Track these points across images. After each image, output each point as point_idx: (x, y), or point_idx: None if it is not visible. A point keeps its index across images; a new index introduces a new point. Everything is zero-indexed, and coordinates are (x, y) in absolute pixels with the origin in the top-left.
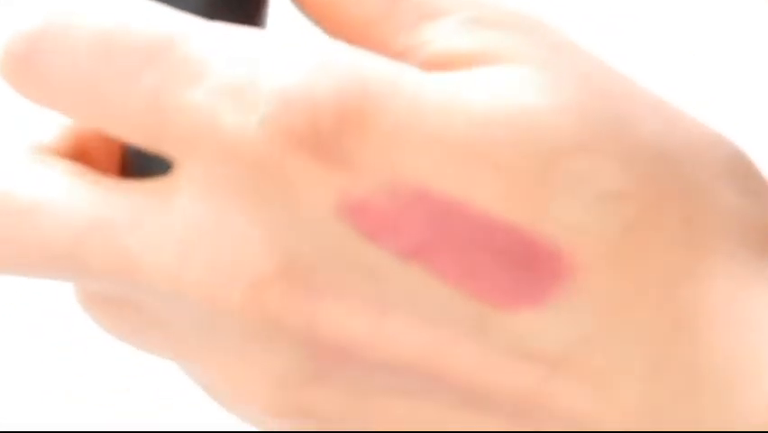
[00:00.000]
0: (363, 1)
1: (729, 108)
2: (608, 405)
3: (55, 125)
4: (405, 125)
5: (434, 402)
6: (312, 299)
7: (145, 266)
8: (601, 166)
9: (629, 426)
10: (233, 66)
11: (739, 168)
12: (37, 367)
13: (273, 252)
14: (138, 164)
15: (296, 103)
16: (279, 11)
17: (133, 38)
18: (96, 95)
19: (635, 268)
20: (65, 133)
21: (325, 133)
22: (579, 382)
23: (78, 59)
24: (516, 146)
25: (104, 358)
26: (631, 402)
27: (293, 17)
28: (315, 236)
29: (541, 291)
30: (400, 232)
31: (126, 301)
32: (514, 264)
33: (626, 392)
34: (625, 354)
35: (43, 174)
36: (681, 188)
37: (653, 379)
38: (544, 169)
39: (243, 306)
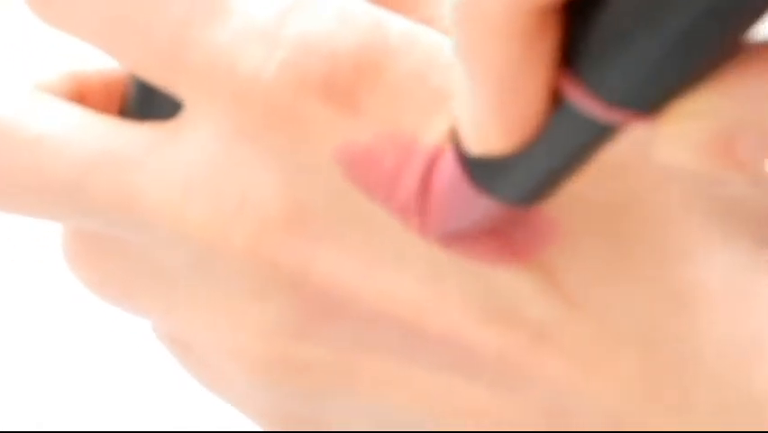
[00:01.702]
0: None
1: None
2: (597, 377)
3: (56, 70)
4: (418, 84)
5: (417, 364)
6: (309, 244)
7: (149, 202)
8: None
9: (618, 400)
10: (259, 9)
11: None
12: (37, 367)
13: (280, 195)
14: (139, 113)
15: (315, 50)
16: None
17: None
18: (122, 21)
19: (630, 240)
20: (66, 77)
21: (341, 82)
22: (566, 351)
23: None
24: None
25: (104, 358)
26: (623, 375)
27: None
28: (318, 182)
29: (531, 251)
30: (397, 187)
31: (117, 245)
32: (505, 224)
33: (618, 364)
34: (617, 325)
35: (50, 106)
36: (680, 175)
37: (646, 352)
38: None
39: (244, 247)
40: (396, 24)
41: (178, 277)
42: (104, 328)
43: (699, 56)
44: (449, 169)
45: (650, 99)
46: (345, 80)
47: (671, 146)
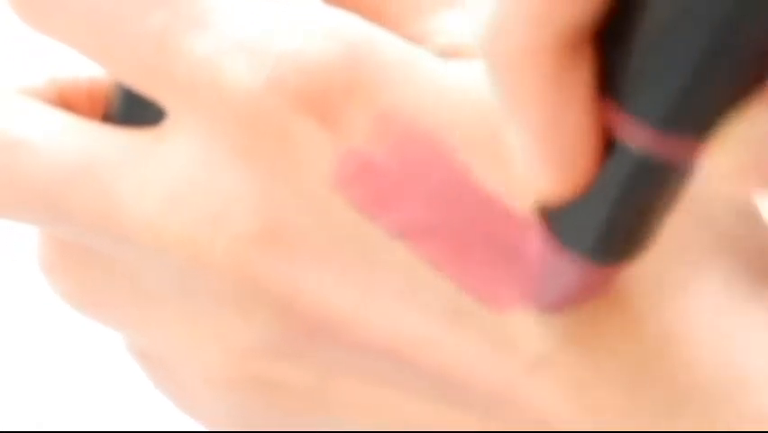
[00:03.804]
0: None
1: None
2: (583, 411)
3: (40, 75)
4: (415, 104)
5: (406, 392)
6: (297, 264)
7: (129, 212)
8: None
9: None
10: (247, 20)
11: (741, 201)
12: (37, 367)
13: (262, 209)
14: (123, 120)
15: (304, 67)
16: None
17: None
18: (105, 28)
19: (628, 276)
20: (49, 83)
21: (334, 100)
22: (555, 385)
23: None
24: None
25: (103, 358)
26: (608, 411)
27: None
28: (308, 201)
29: (531, 288)
30: (398, 207)
31: (94, 255)
32: (508, 258)
33: (604, 401)
34: (607, 362)
35: (32, 113)
36: (684, 204)
37: (633, 390)
38: None
39: (224, 262)
40: (389, 43)
41: (156, 289)
42: (103, 328)
43: (744, 64)
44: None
45: (693, 120)
46: (339, 98)
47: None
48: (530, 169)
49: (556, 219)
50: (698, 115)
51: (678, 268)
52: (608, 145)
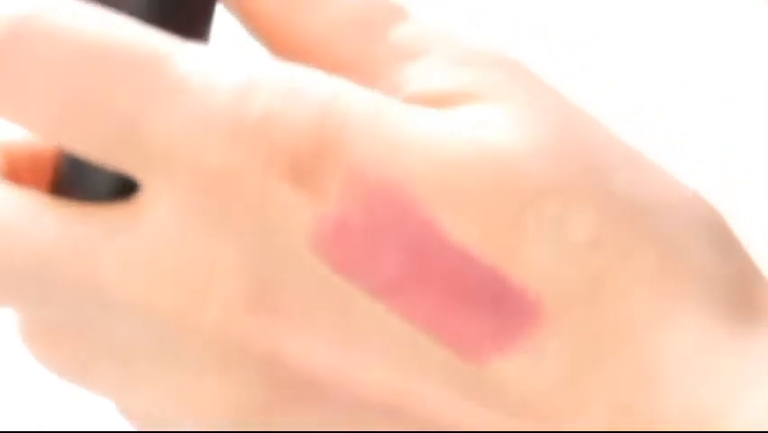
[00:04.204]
0: (341, 44)
1: (728, 111)
2: None
3: None
4: (382, 160)
5: None
6: (279, 326)
7: (114, 286)
8: (573, 213)
9: None
10: (214, 91)
11: (714, 227)
12: (37, 367)
13: (244, 276)
14: (72, 184)
15: (277, 131)
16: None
17: (114, 53)
18: (71, 109)
19: (602, 317)
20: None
21: (304, 163)
22: (542, 423)
23: (55, 69)
24: (490, 189)
25: None
26: None
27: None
28: (287, 265)
29: (508, 338)
30: (371, 267)
31: (75, 327)
32: (483, 309)
33: None
34: (587, 403)
35: (5, 194)
36: (655, 239)
37: (612, 428)
38: (516, 212)
39: (211, 329)
40: (357, 99)
41: (144, 355)
42: None
43: None
44: None
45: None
46: (308, 161)
47: None
48: None
49: None
50: None
51: (649, 307)
52: None
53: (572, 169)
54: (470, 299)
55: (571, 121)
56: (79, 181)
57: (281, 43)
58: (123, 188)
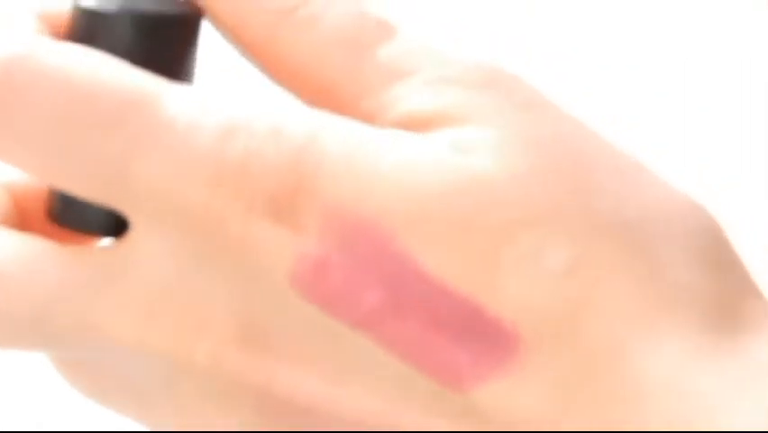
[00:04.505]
0: (328, 64)
1: (727, 112)
2: None
3: None
4: (358, 197)
5: None
6: (269, 361)
7: (112, 328)
8: (549, 243)
9: None
10: (197, 134)
11: (705, 241)
12: (37, 368)
13: (232, 315)
14: (66, 215)
15: (255, 173)
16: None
17: (101, 99)
18: (58, 154)
19: (581, 343)
20: (1, 194)
21: (283, 203)
22: None
23: (42, 114)
24: (466, 222)
25: None
26: None
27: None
28: (272, 302)
29: (487, 366)
30: (351, 301)
31: (88, 364)
32: (461, 339)
33: None
34: (571, 428)
35: (2, 243)
36: (638, 260)
37: None
38: (492, 245)
39: (204, 366)
40: (334, 136)
41: (148, 390)
42: None
43: None
44: None
45: None
46: (286, 201)
47: None
48: None
49: None
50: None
51: (628, 330)
52: None
53: (553, 194)
54: (448, 330)
55: (561, 140)
56: (73, 213)
57: (270, 64)
58: (117, 219)
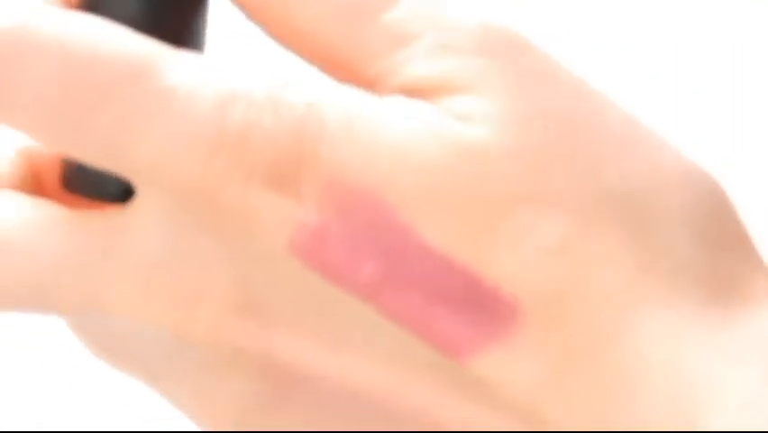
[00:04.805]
0: (333, 30)
1: (728, 112)
2: None
3: (5, 153)
4: (358, 167)
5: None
6: (268, 329)
7: (110, 298)
8: (546, 220)
9: None
10: (197, 103)
11: (708, 213)
12: (38, 368)
13: (231, 284)
14: (78, 181)
15: (254, 142)
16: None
17: (101, 67)
18: (59, 122)
19: (576, 319)
20: (19, 160)
21: (282, 172)
22: (522, 426)
23: (43, 83)
24: (465, 193)
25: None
26: None
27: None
28: (270, 271)
29: (486, 336)
30: (351, 270)
31: (99, 329)
32: (460, 309)
33: None
34: (568, 403)
35: (8, 207)
36: (636, 235)
37: (598, 426)
38: (490, 218)
39: (204, 337)
40: (334, 106)
41: (151, 358)
42: None
43: None
44: None
45: None
46: (287, 168)
47: None
48: None
49: None
50: None
51: (622, 307)
52: None
53: (553, 168)
54: (448, 300)
55: (566, 112)
56: (84, 180)
57: (277, 29)
58: (127, 185)
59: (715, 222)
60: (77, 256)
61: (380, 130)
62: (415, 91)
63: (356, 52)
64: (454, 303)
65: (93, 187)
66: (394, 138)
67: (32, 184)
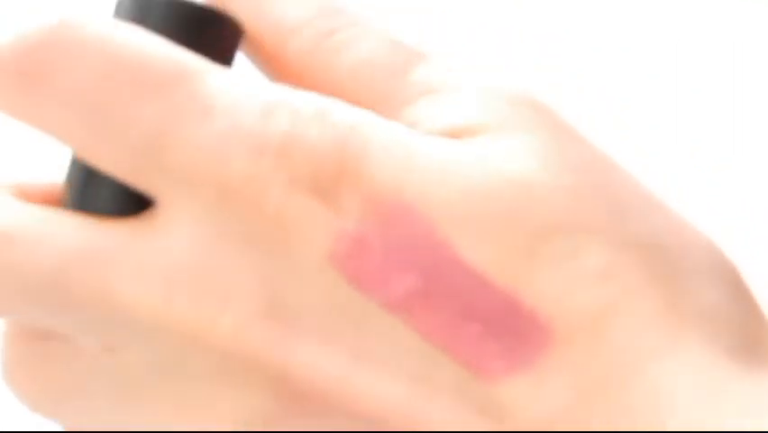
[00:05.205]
0: (363, 84)
1: (729, 112)
2: None
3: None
4: (400, 184)
5: None
6: (291, 338)
7: (128, 296)
8: (586, 246)
9: None
10: (241, 110)
11: (727, 274)
12: None
13: (261, 291)
14: (87, 195)
15: (298, 151)
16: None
17: (145, 66)
18: (97, 117)
19: (608, 347)
20: (12, 187)
21: (324, 183)
22: None
23: (85, 77)
24: (506, 215)
25: None
26: None
27: None
28: (304, 280)
29: (518, 359)
30: (386, 283)
31: (68, 350)
32: (495, 329)
33: None
34: (595, 428)
35: (21, 206)
36: (668, 278)
37: None
38: (531, 240)
39: (224, 340)
40: (378, 128)
41: (147, 369)
42: None
43: None
44: None
45: None
46: (328, 180)
47: None
48: None
49: None
50: None
51: (654, 341)
52: None
53: (590, 205)
54: (483, 319)
55: (594, 160)
56: (91, 196)
57: (306, 87)
58: (132, 206)
59: (733, 280)
60: (92, 251)
61: (423, 152)
62: (451, 134)
63: (385, 103)
64: (490, 323)
65: (100, 204)
66: (436, 160)
67: None
